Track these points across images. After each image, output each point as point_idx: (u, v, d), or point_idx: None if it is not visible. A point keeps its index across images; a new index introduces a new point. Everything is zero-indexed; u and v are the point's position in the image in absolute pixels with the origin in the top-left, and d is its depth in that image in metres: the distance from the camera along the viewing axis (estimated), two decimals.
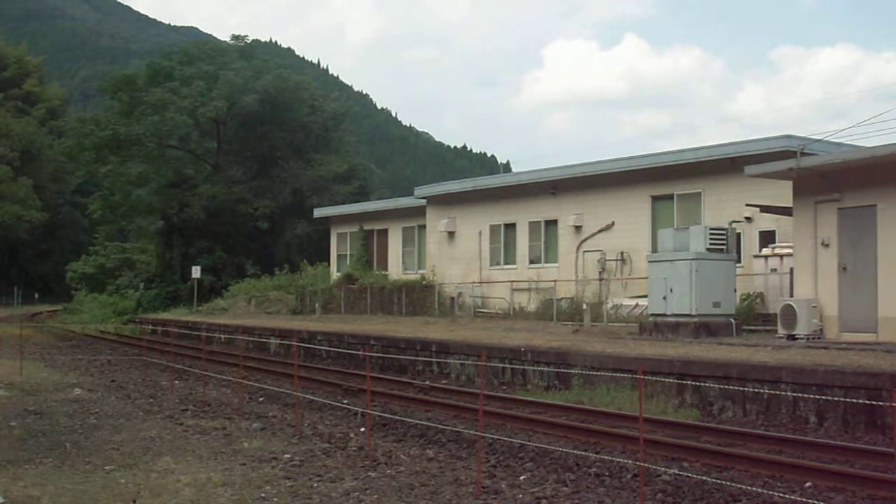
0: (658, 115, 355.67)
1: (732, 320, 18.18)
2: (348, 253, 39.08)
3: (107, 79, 55.65)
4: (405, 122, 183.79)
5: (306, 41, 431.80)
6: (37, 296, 79.23)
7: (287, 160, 51.59)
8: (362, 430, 11.43)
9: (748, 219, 22.24)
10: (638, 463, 7.65)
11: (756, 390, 12.01)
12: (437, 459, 9.71)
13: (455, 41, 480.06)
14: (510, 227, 29.91)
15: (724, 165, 22.78)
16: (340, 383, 16.35)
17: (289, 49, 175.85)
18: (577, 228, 27.18)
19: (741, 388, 12.20)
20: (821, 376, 11.40)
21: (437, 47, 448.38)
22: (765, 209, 20.41)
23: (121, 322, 44.27)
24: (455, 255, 31.89)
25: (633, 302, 23.21)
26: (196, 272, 40.97)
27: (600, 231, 26.54)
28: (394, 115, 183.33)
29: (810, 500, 7.03)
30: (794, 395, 11.22)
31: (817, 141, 19.57)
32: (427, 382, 16.40)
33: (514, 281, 28.55)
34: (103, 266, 59.61)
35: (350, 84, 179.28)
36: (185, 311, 41.95)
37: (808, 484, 8.23)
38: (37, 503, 7.64)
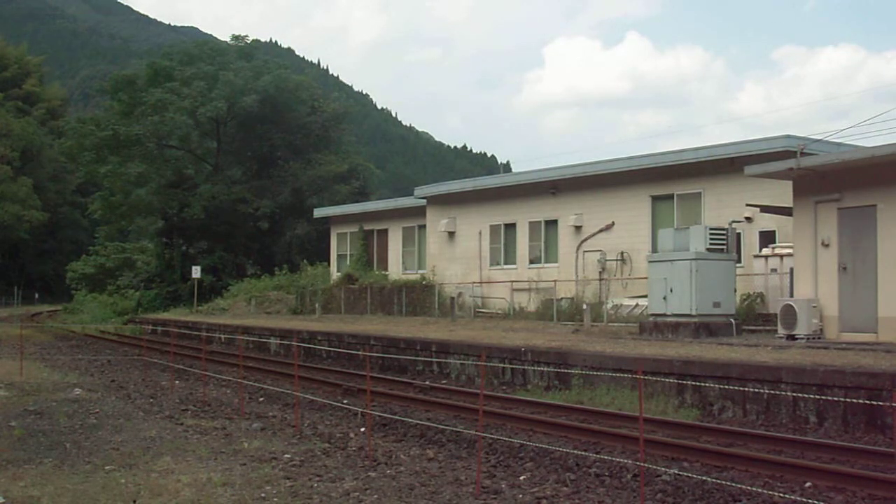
0: (659, 115, 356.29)
1: (732, 320, 18.18)
2: (348, 253, 39.08)
3: (107, 79, 55.66)
4: (405, 122, 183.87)
5: (307, 42, 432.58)
6: (37, 296, 79.23)
7: (287, 160, 51.58)
8: (362, 430, 11.43)
9: (748, 219, 22.24)
10: (638, 463, 7.65)
11: (756, 390, 12.01)
12: (437, 459, 9.70)
13: (456, 41, 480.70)
14: (510, 227, 29.90)
15: (725, 165, 22.78)
16: (340, 383, 16.34)
17: (289, 49, 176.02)
18: (577, 228, 27.18)
19: (741, 389, 12.20)
20: (821, 376, 11.40)
21: (439, 47, 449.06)
22: (765, 209, 20.41)
23: (121, 322, 44.25)
24: (455, 255, 31.89)
25: (633, 302, 23.21)
26: (196, 272, 40.96)
27: (600, 231, 26.54)
28: (394, 115, 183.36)
29: (810, 500, 7.03)
30: (794, 395, 11.22)
31: (817, 141, 19.58)
32: (427, 382, 16.40)
33: (514, 281, 28.54)
34: (103, 266, 59.55)
35: (350, 84, 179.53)
36: (186, 311, 41.95)
37: (808, 484, 8.23)
38: (37, 503, 7.64)
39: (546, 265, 28.28)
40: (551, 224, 28.42)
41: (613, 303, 23.90)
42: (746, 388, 12.13)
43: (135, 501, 7.66)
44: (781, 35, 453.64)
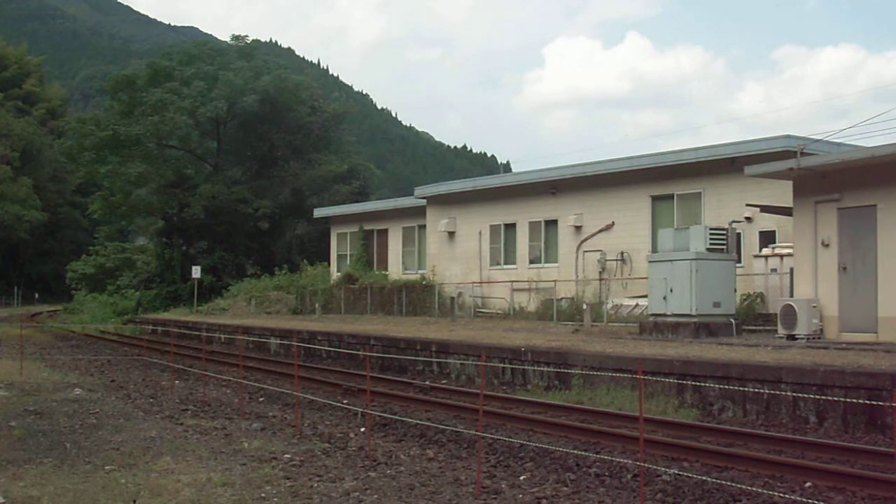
0: (659, 115, 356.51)
1: (732, 320, 18.18)
2: (348, 253, 39.08)
3: (107, 79, 55.60)
4: (405, 122, 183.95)
5: (307, 42, 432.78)
6: (37, 296, 79.21)
7: (287, 160, 51.56)
8: (362, 430, 11.43)
9: (748, 219, 22.24)
10: (638, 463, 7.65)
11: (756, 390, 12.01)
12: (437, 459, 9.70)
13: (456, 41, 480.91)
14: (510, 227, 29.90)
15: (725, 165, 22.79)
16: (340, 383, 16.34)
17: (289, 49, 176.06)
18: (577, 228, 27.18)
19: (741, 388, 12.19)
20: (821, 376, 11.40)
21: (439, 47, 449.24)
22: (765, 209, 20.41)
23: (121, 322, 44.25)
24: (455, 255, 31.89)
25: (633, 302, 23.21)
26: (196, 272, 40.96)
27: (600, 231, 26.54)
28: (394, 115, 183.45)
29: (810, 500, 7.03)
30: (794, 395, 11.22)
31: (817, 141, 19.58)
32: (427, 382, 16.40)
33: (514, 281, 28.55)
34: (103, 266, 59.56)
35: (350, 84, 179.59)
36: (186, 311, 41.94)
37: (808, 484, 8.23)
38: (37, 503, 7.63)
39: (546, 265, 28.28)
40: (551, 224, 28.41)
41: (613, 303, 23.90)
42: (746, 388, 12.13)
43: (135, 501, 7.66)
44: (781, 35, 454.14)
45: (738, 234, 20.88)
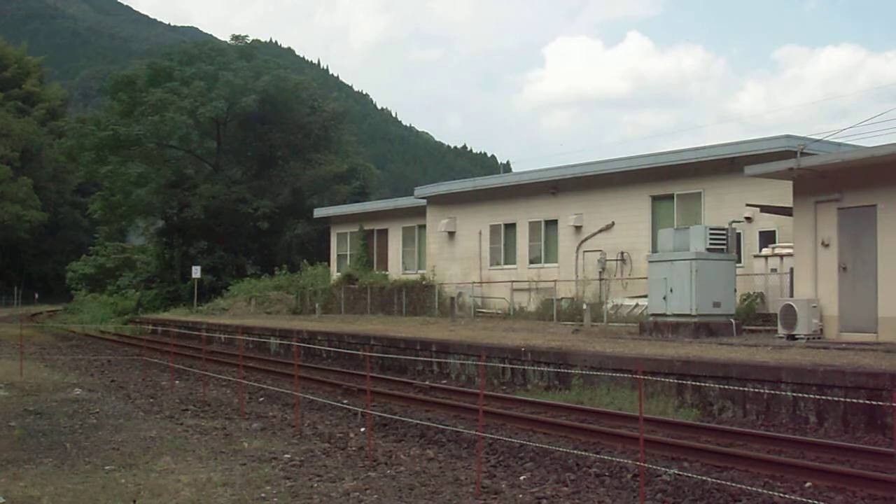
0: (660, 115, 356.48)
1: (732, 320, 18.18)
2: (348, 253, 39.09)
3: (107, 79, 55.59)
4: (405, 122, 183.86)
5: (307, 42, 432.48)
6: (37, 296, 79.19)
7: (287, 160, 51.56)
8: (362, 430, 11.43)
9: (748, 219, 22.25)
10: (638, 463, 7.64)
11: (756, 390, 12.01)
12: (437, 459, 9.71)
13: (457, 41, 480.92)
14: (510, 227, 29.91)
15: (725, 165, 22.79)
16: (340, 383, 16.35)
17: (289, 49, 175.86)
18: (577, 228, 27.18)
19: (741, 388, 12.20)
20: (821, 376, 11.40)
21: (439, 47, 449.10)
22: (765, 209, 20.42)
23: (121, 322, 44.24)
24: (455, 255, 31.89)
25: (633, 302, 23.22)
26: (196, 272, 40.95)
27: (600, 231, 26.54)
28: (394, 115, 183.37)
29: (810, 500, 7.03)
30: (794, 395, 11.23)
31: (817, 141, 19.58)
32: (427, 382, 16.40)
33: (514, 281, 28.55)
34: (103, 266, 59.53)
35: (350, 84, 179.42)
36: (186, 311, 41.93)
37: (808, 484, 8.23)
38: (37, 503, 7.64)
39: (546, 265, 28.28)
40: (551, 224, 28.42)
41: (613, 303, 23.90)
42: (746, 388, 12.13)
43: (135, 501, 7.66)
44: (782, 35, 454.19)
45: (738, 234, 20.88)
